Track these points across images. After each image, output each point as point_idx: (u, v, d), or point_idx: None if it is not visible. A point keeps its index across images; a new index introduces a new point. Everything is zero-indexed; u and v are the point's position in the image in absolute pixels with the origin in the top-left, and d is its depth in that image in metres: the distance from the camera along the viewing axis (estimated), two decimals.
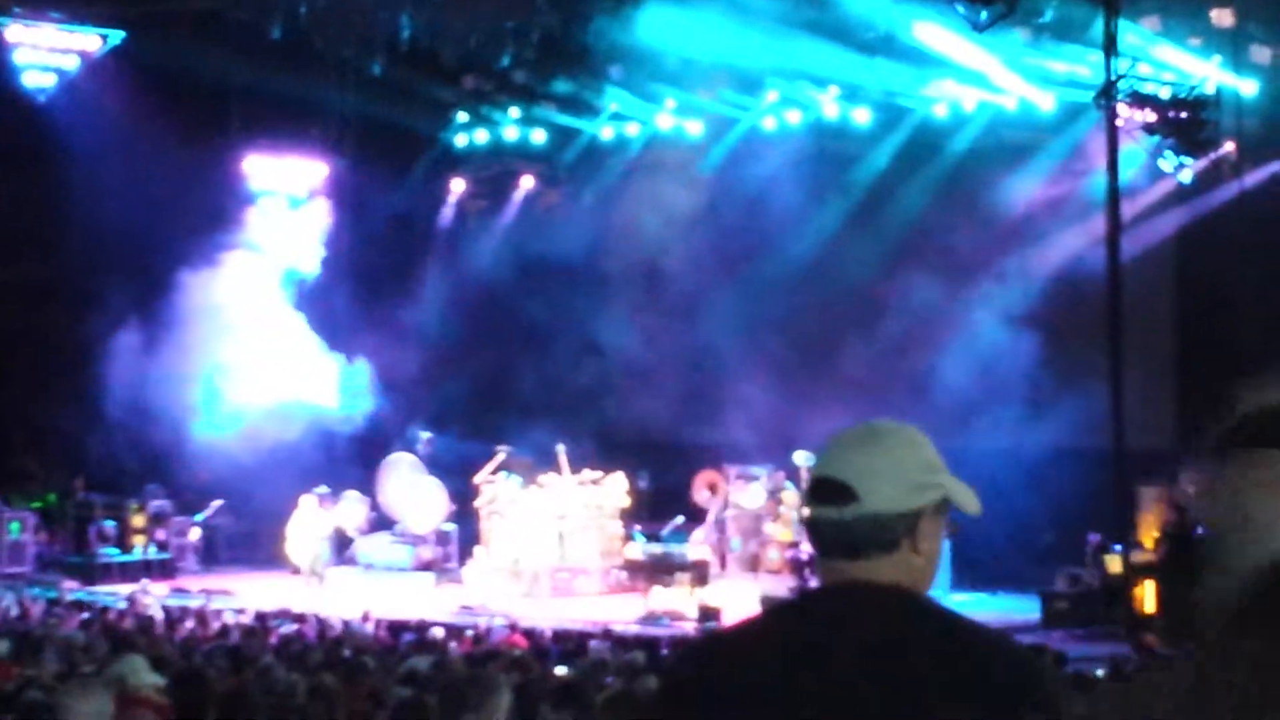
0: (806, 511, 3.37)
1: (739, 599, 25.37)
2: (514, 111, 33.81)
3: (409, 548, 30.20)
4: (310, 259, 32.81)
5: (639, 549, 27.24)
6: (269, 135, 32.34)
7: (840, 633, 3.18)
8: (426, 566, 29.84)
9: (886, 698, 3.08)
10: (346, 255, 33.12)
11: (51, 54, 30.75)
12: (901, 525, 3.30)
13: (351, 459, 31.37)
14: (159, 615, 22.12)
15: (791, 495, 27.84)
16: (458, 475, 30.12)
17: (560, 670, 14.94)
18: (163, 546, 31.07)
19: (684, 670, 3.46)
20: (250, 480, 29.66)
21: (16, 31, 30.23)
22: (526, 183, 35.39)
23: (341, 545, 31.16)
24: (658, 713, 3.45)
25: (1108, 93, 23.80)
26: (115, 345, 29.87)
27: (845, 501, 3.28)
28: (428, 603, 26.52)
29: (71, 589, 27.52)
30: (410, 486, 30.65)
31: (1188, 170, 26.92)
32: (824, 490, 3.31)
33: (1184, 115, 25.99)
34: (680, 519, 28.67)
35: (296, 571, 28.73)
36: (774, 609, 3.72)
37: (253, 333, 31.30)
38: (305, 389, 31.53)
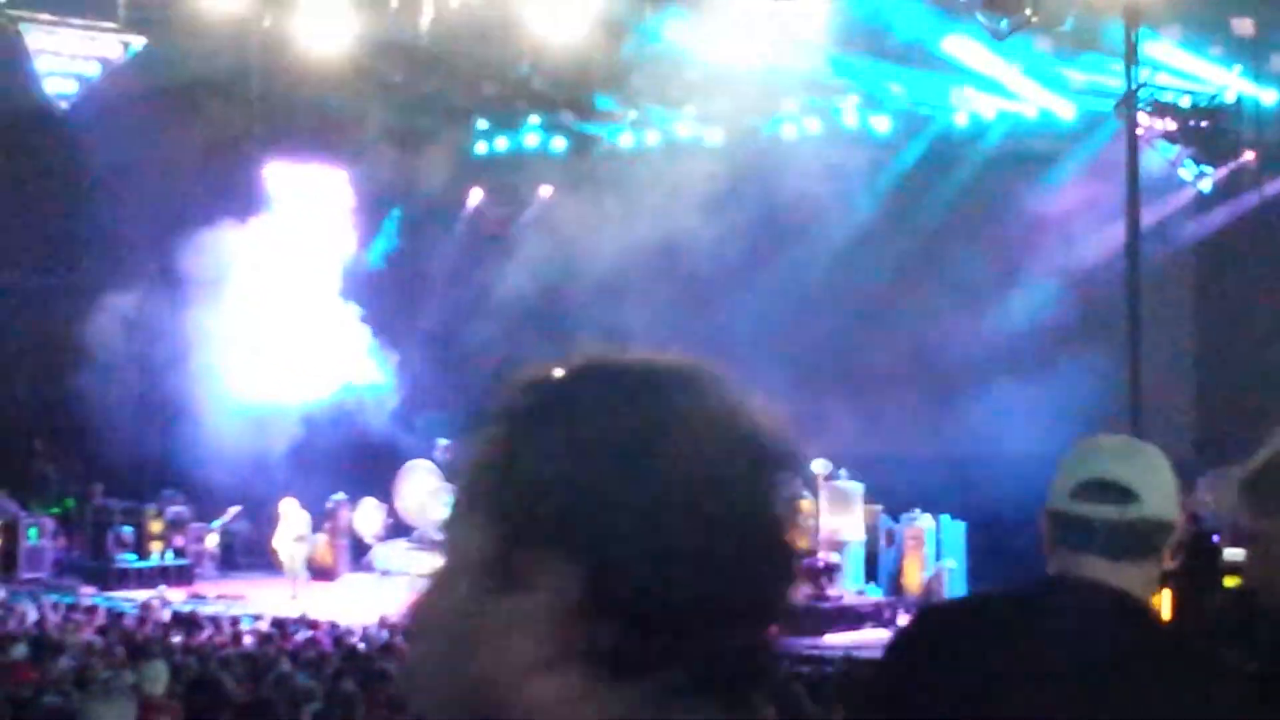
0: (1075, 509, 3.42)
1: None
2: (534, 119, 33.82)
3: (426, 554, 30.20)
4: (329, 262, 32.76)
5: None
6: (289, 142, 32.33)
7: (1074, 625, 3.30)
8: None
9: (1105, 697, 3.20)
10: (365, 261, 33.12)
11: (73, 61, 30.78)
12: (1166, 533, 3.43)
13: (370, 465, 31.39)
14: (175, 621, 22.14)
15: (808, 503, 27.78)
16: None
17: None
18: (180, 552, 31.08)
19: (911, 638, 3.56)
20: (268, 486, 29.66)
21: (38, 38, 30.26)
22: (545, 190, 35.39)
23: (359, 551, 31.22)
24: (889, 671, 3.54)
25: (1128, 102, 23.76)
26: (133, 350, 29.95)
27: (1127, 502, 3.38)
28: None
29: (89, 594, 27.56)
30: (428, 493, 30.67)
31: (1208, 179, 26.87)
32: (1103, 490, 3.40)
33: (1204, 124, 25.96)
34: None
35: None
36: (1009, 593, 3.67)
37: (274, 328, 31.37)
38: (327, 384, 31.60)
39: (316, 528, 31.36)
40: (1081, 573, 3.42)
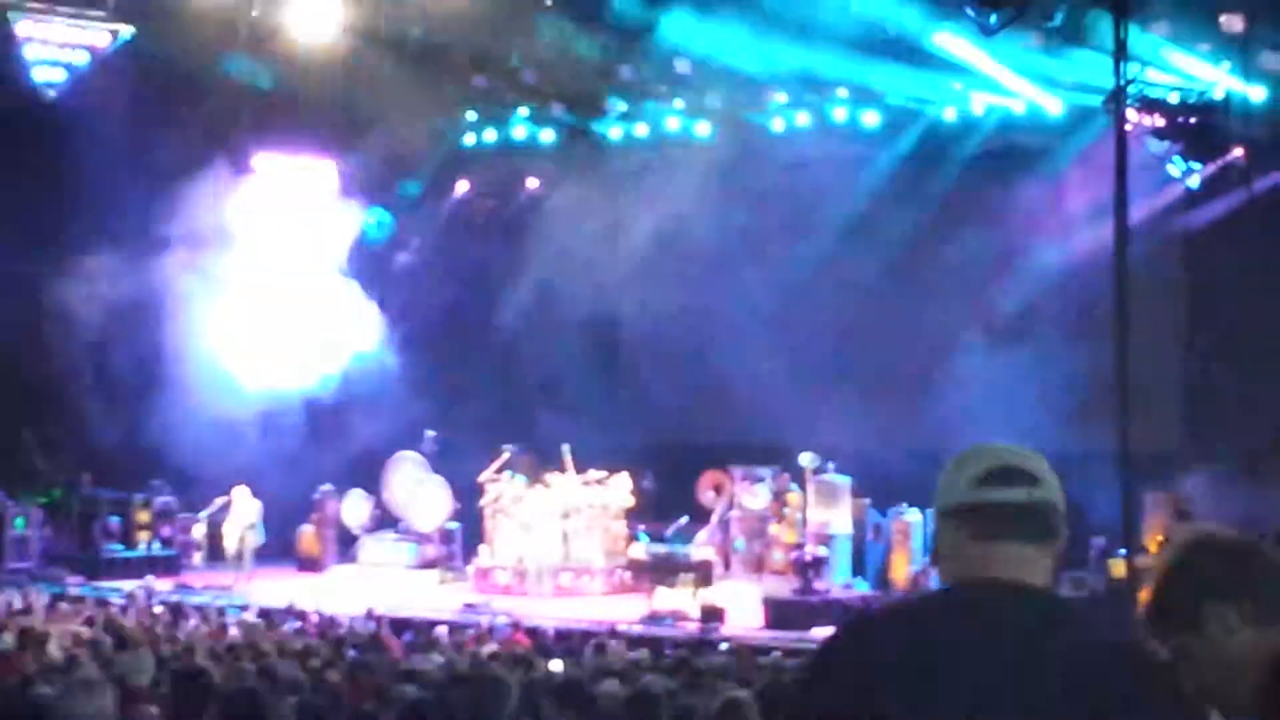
0: (984, 496, 3.49)
1: (742, 600, 25.39)
2: (523, 111, 33.78)
3: (413, 546, 30.25)
4: (321, 248, 32.67)
5: (643, 549, 27.23)
6: (278, 133, 32.25)
7: (1000, 630, 3.34)
8: (430, 564, 29.88)
9: (1042, 698, 3.23)
10: (353, 254, 33.08)
11: (61, 49, 30.71)
12: (1061, 519, 3.55)
13: (356, 456, 31.38)
14: (162, 611, 22.12)
15: (796, 497, 27.83)
16: (462, 473, 30.13)
17: (555, 664, 14.90)
18: (167, 543, 31.14)
19: (835, 650, 3.52)
20: (256, 476, 29.60)
21: (26, 27, 30.19)
22: (533, 182, 35.37)
23: (346, 542, 31.24)
24: (820, 676, 3.48)
25: (1117, 98, 23.75)
26: (122, 337, 29.94)
27: (1032, 485, 3.49)
28: (431, 601, 26.54)
29: (75, 584, 27.56)
30: (415, 484, 30.69)
31: (1196, 176, 26.88)
32: (1008, 475, 3.50)
33: (1193, 121, 25.97)
34: (684, 519, 28.67)
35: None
36: (929, 599, 3.70)
37: (269, 311, 31.35)
38: (326, 363, 31.63)
39: (303, 518, 31.41)
40: (997, 570, 3.45)
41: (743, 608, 24.88)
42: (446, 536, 30.59)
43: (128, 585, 26.59)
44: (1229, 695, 3.50)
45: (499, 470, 29.50)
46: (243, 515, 28.82)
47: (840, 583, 26.44)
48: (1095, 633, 3.38)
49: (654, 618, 24.45)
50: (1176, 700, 3.35)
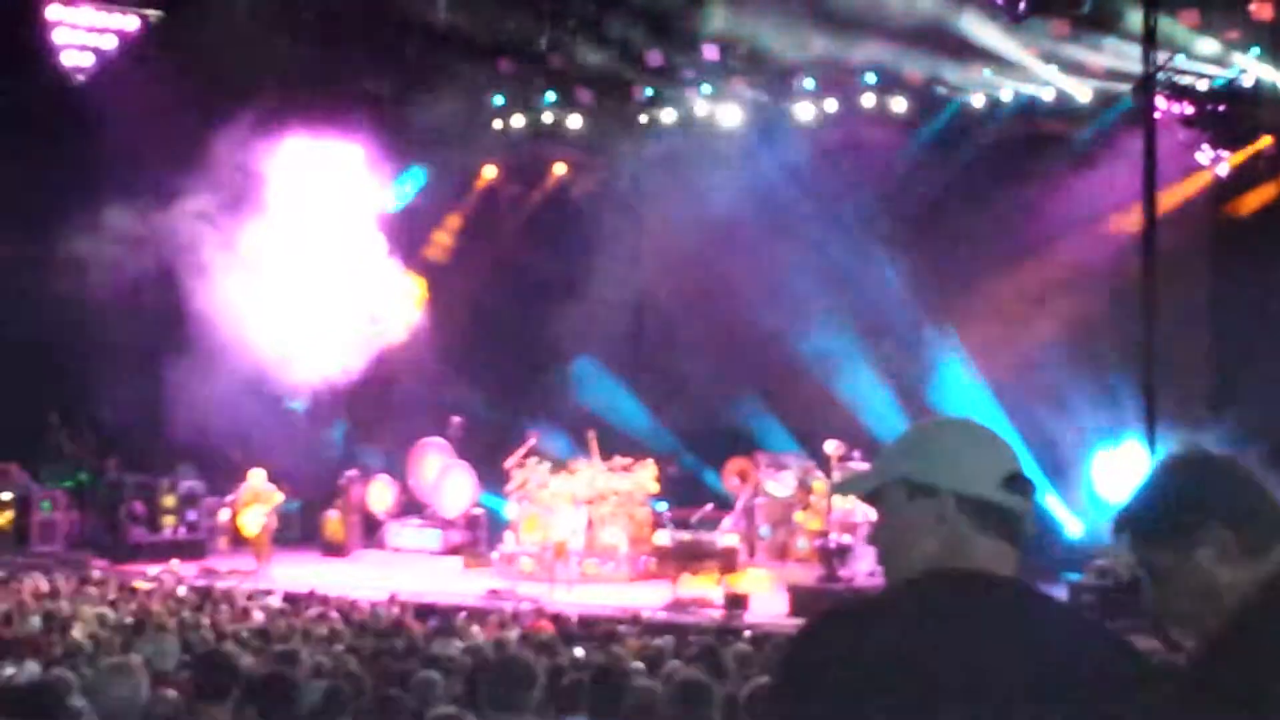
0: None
1: (767, 587, 25.36)
2: (550, 95, 33.75)
3: (437, 531, 30.26)
4: (354, 234, 32.66)
5: (668, 536, 27.18)
6: (305, 116, 32.21)
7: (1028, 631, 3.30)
8: (455, 550, 29.90)
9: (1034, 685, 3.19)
10: (387, 232, 33.06)
11: (90, 34, 30.77)
12: None
13: (383, 441, 31.43)
14: (187, 596, 22.16)
15: (821, 484, 27.77)
16: (488, 459, 30.14)
17: (578, 652, 14.90)
18: (192, 527, 31.18)
19: (816, 643, 3.39)
20: (281, 460, 29.64)
21: (55, 11, 30.27)
22: (561, 167, 35.34)
23: (371, 528, 31.27)
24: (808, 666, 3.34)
25: (1145, 85, 23.70)
26: (146, 317, 30.00)
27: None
28: (456, 586, 26.57)
29: (101, 568, 27.62)
30: (440, 470, 30.71)
31: (1224, 163, 26.79)
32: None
33: (1221, 108, 25.89)
34: (709, 506, 28.66)
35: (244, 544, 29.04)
36: (917, 590, 3.45)
37: (291, 293, 31.33)
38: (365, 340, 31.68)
39: (328, 504, 31.44)
40: (988, 563, 3.41)
41: (767, 595, 24.86)
42: (472, 522, 30.61)
43: (153, 569, 26.67)
44: (1199, 625, 3.42)
45: (525, 456, 29.50)
46: (257, 500, 28.82)
47: (865, 570, 26.39)
48: (1095, 620, 3.46)
49: (678, 605, 24.43)
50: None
